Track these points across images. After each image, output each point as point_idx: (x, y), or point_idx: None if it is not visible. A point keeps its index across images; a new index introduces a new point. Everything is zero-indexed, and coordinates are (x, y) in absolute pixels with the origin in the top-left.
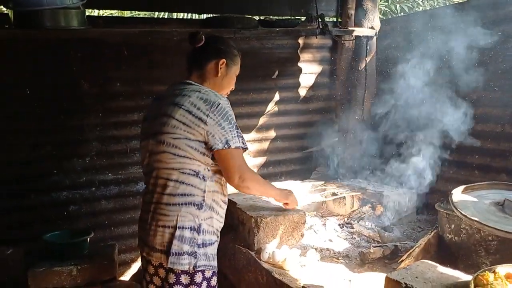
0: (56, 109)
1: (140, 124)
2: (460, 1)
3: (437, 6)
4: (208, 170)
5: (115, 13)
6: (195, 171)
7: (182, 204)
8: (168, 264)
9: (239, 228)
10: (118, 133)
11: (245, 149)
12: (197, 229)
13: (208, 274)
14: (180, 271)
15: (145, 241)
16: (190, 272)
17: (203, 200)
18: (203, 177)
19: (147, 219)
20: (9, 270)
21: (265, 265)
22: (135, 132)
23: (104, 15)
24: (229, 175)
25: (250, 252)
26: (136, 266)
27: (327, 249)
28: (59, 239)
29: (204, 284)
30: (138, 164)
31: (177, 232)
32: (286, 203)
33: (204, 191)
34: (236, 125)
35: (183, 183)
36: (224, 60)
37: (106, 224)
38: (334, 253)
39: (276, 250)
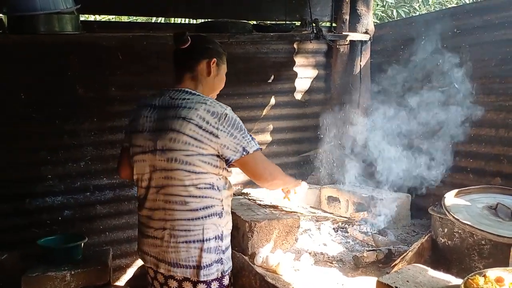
0: (51, 113)
1: None
2: (455, 5)
3: (433, 11)
4: (220, 179)
5: (112, 18)
6: (210, 184)
7: (205, 217)
8: (201, 277)
9: (233, 232)
10: (113, 138)
11: (260, 149)
12: (220, 237)
13: (230, 274)
14: (210, 280)
15: (161, 259)
16: (219, 277)
17: (223, 208)
18: (217, 188)
19: (161, 236)
20: (4, 274)
21: (259, 270)
22: None
23: (100, 20)
24: (260, 178)
25: (244, 256)
26: (131, 271)
27: (321, 253)
28: (54, 244)
29: (229, 284)
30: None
31: (205, 245)
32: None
33: (221, 200)
34: (246, 130)
35: (202, 197)
36: (215, 59)
37: (101, 229)
38: (328, 257)
39: (270, 254)
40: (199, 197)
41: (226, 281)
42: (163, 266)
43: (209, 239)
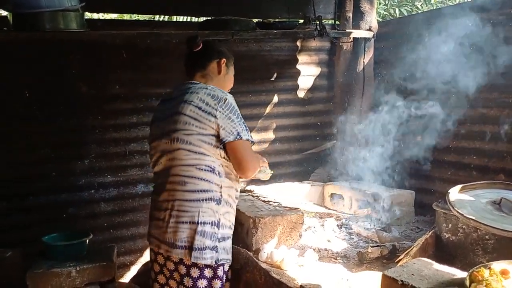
0: (55, 111)
1: (139, 127)
2: (455, 3)
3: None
4: (222, 166)
5: (116, 16)
6: (211, 167)
7: (202, 200)
8: (192, 259)
9: (237, 228)
10: (117, 136)
11: (252, 143)
12: (217, 224)
13: (226, 267)
14: (203, 265)
15: (162, 239)
16: (213, 266)
17: (221, 195)
18: (219, 173)
19: (163, 217)
20: (8, 272)
21: (263, 265)
22: (134, 134)
23: (103, 18)
24: (243, 166)
25: (249, 252)
26: (135, 269)
27: (325, 249)
28: (58, 240)
29: (224, 277)
30: (137, 166)
31: (199, 228)
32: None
33: (221, 187)
34: (242, 119)
35: (201, 179)
36: (224, 59)
37: (105, 226)
38: (332, 253)
39: (274, 250)
40: (198, 178)
41: (220, 272)
42: (163, 247)
43: (204, 223)
